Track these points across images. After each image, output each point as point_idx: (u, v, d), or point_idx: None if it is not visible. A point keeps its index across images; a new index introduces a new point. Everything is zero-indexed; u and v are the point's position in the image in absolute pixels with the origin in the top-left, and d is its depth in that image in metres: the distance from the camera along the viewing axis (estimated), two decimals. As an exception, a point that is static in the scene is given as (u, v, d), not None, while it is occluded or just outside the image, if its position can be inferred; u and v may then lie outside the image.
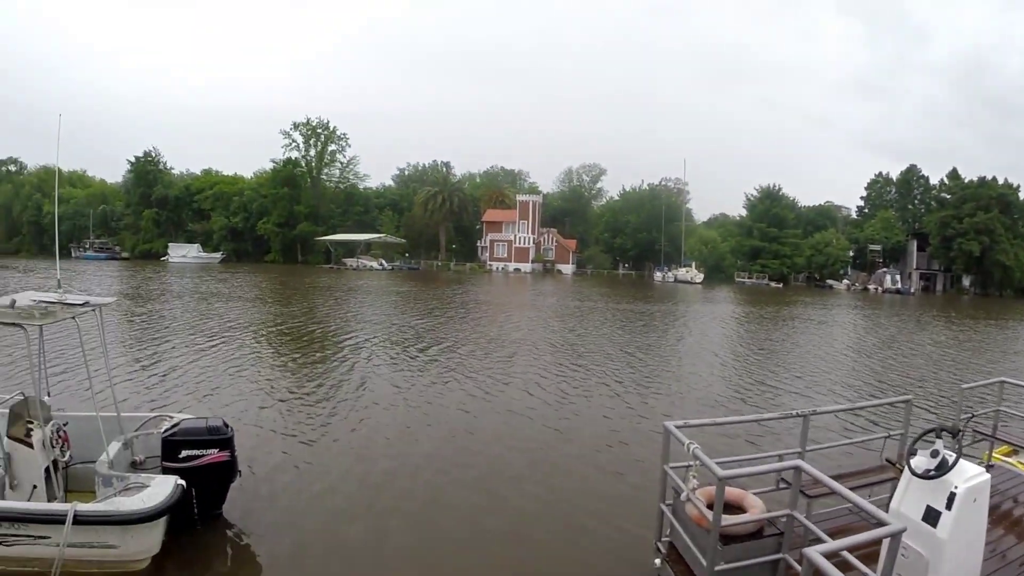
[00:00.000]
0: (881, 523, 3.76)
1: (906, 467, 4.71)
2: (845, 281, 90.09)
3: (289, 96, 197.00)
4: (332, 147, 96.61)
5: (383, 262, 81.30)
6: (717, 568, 4.26)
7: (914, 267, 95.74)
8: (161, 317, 26.23)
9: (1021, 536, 5.66)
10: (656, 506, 5.31)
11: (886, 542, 3.73)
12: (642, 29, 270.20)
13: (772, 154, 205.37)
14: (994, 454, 8.02)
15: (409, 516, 7.75)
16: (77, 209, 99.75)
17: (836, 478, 5.17)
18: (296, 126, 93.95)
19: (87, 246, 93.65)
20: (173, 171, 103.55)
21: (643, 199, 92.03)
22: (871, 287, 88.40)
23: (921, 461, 4.56)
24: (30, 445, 6.15)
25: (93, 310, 6.87)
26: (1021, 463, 8.42)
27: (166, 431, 6.90)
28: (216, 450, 6.78)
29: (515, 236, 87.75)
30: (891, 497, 5.26)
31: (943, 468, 4.35)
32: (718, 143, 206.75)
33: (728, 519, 4.37)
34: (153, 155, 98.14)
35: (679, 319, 35.10)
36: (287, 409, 12.29)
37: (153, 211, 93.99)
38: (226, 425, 7.12)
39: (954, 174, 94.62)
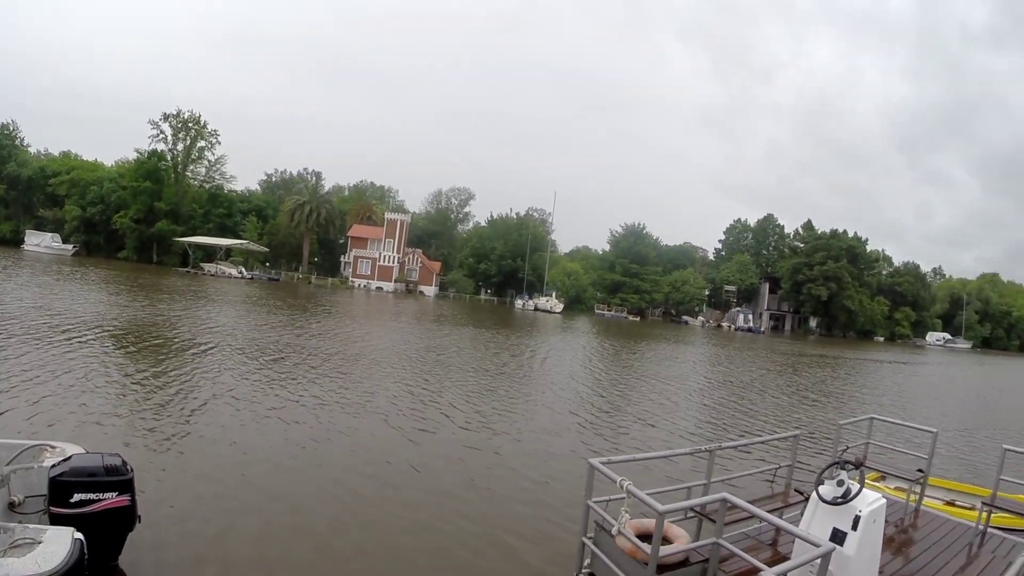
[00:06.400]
0: (796, 544, 4.74)
1: (815, 494, 5.53)
2: (700, 318, 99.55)
3: (156, 83, 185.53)
4: (201, 143, 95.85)
5: (243, 270, 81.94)
6: None
7: (765, 308, 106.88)
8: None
9: (895, 552, 6.89)
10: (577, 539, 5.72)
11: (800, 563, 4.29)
12: (496, 47, 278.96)
13: (633, 190, 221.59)
14: (865, 481, 10.34)
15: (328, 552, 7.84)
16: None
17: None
18: (166, 117, 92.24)
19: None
20: (29, 149, 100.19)
21: (510, 227, 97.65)
22: (724, 324, 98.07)
23: (828, 489, 5.41)
24: None
25: None
26: (887, 487, 10.39)
27: (55, 468, 6.16)
28: (115, 493, 6.22)
29: (380, 254, 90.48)
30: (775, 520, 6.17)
31: (848, 495, 5.24)
32: (584, 176, 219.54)
33: (665, 550, 4.80)
34: (10, 128, 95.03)
35: (554, 351, 36.32)
36: (148, 429, 11.75)
37: (2, 189, 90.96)
38: (125, 463, 6.51)
39: (808, 225, 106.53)
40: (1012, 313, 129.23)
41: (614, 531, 5.10)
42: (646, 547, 4.72)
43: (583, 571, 5.59)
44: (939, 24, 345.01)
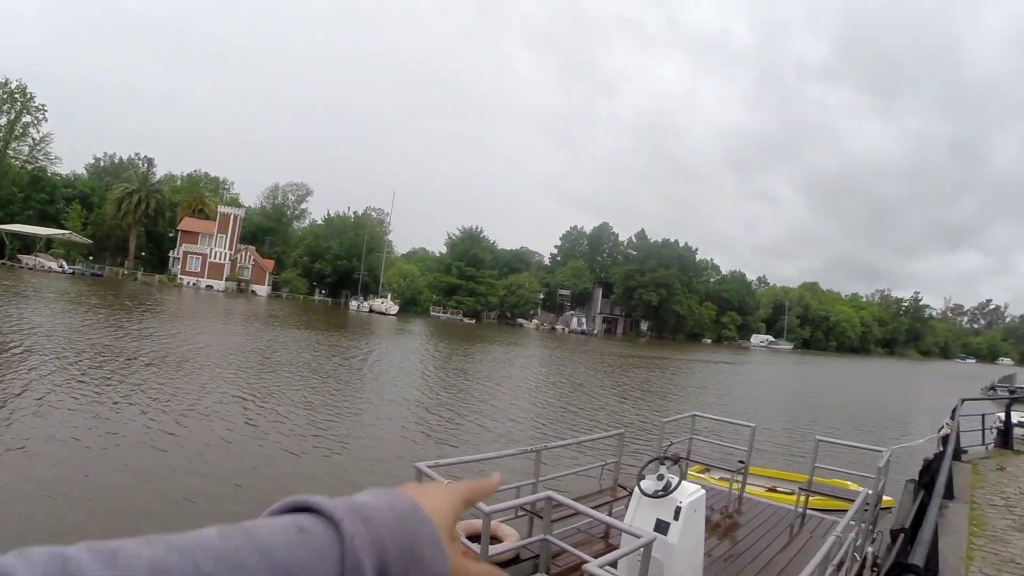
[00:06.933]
0: (623, 536, 4.99)
1: (637, 489, 5.73)
2: (535, 321, 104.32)
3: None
4: (26, 118, 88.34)
5: (64, 263, 77.99)
6: None
7: (598, 312, 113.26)
8: None
9: (721, 536, 7.49)
10: None
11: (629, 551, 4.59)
12: (347, 38, 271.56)
13: (473, 193, 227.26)
14: (690, 472, 10.16)
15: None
16: None
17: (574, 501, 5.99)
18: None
19: None
20: None
21: (347, 226, 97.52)
22: (558, 327, 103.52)
23: (649, 483, 5.66)
24: None
25: None
26: (711, 478, 11.21)
27: None
28: None
29: (211, 250, 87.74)
30: (609, 514, 6.78)
31: (668, 489, 5.54)
32: (424, 177, 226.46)
33: (494, 549, 4.96)
34: None
35: (386, 354, 36.86)
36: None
37: None
38: None
39: (641, 234, 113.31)
40: (830, 318, 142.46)
41: None
42: (475, 547, 4.88)
43: None
44: (779, 57, 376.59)
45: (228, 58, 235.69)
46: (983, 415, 14.12)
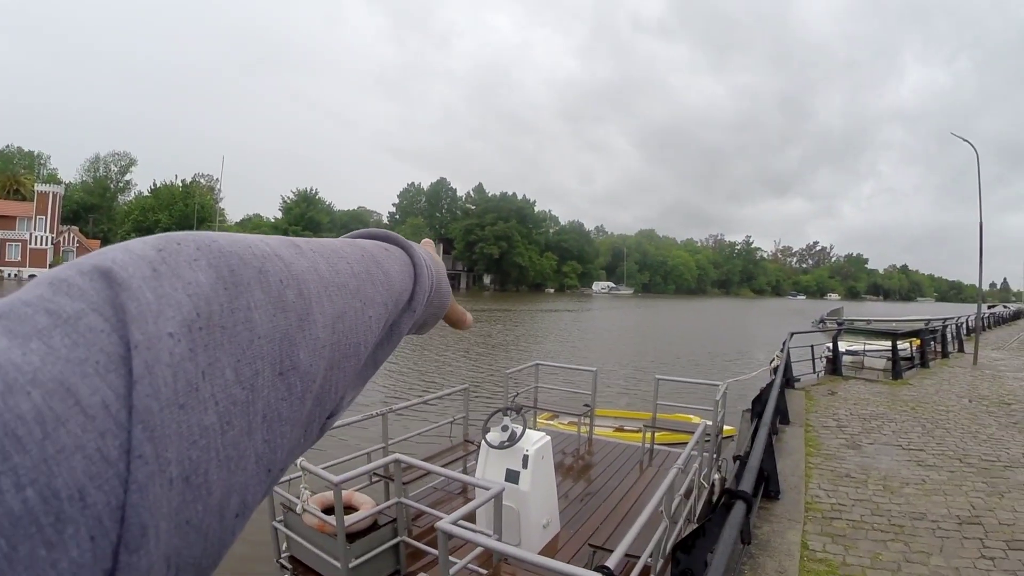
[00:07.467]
0: (476, 489, 5.15)
1: (483, 442, 5.98)
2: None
3: None
4: None
5: None
6: (351, 566, 4.84)
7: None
8: None
9: (575, 478, 7.80)
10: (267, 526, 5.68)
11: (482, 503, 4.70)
12: None
13: (307, 154, 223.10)
14: (538, 420, 10.50)
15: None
16: None
17: (424, 461, 5.92)
18: None
19: None
20: None
21: (176, 196, 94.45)
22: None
23: (495, 436, 5.90)
24: None
25: None
26: (560, 424, 11.59)
27: None
28: None
29: (31, 235, 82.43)
30: (464, 469, 7.14)
31: (514, 439, 5.77)
32: (256, 139, 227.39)
33: (350, 519, 4.93)
34: None
35: None
36: None
37: None
38: None
39: (479, 188, 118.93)
40: (667, 262, 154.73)
41: (298, 510, 5.14)
42: (331, 519, 4.85)
43: (283, 555, 5.64)
44: (614, 10, 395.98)
45: (36, 17, 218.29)
46: (812, 346, 15.09)
